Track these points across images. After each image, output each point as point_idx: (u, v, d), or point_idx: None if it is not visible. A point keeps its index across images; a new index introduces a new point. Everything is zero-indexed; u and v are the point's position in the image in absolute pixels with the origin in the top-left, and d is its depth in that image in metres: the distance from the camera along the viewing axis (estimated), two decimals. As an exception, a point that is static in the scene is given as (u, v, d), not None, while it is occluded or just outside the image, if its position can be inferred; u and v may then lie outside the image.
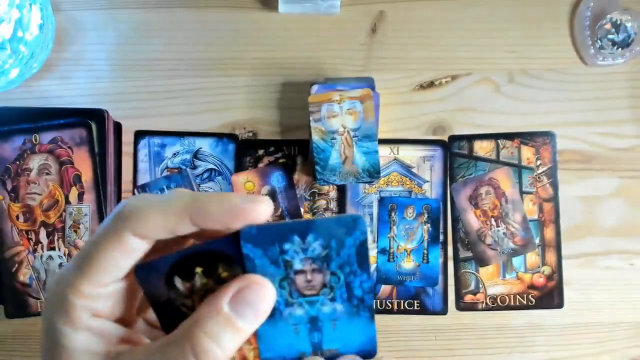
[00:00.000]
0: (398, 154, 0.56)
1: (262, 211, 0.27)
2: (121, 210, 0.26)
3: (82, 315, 0.26)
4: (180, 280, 0.28)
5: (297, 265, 0.29)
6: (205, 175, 0.56)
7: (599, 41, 0.56)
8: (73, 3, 0.58)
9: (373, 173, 0.51)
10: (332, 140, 0.50)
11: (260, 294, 0.27)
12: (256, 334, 0.29)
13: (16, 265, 0.54)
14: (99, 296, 0.26)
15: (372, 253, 0.56)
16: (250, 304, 0.27)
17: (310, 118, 0.50)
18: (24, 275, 0.54)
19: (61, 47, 0.57)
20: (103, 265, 0.26)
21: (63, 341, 0.25)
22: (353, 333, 0.30)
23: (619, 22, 0.56)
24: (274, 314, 0.29)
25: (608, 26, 0.57)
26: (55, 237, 0.54)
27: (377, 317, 0.53)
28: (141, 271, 0.28)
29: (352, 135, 0.50)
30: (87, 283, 0.26)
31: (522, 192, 0.56)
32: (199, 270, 0.28)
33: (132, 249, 0.26)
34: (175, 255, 0.28)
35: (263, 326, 0.29)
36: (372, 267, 0.56)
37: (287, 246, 0.29)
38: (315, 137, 0.50)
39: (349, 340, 0.30)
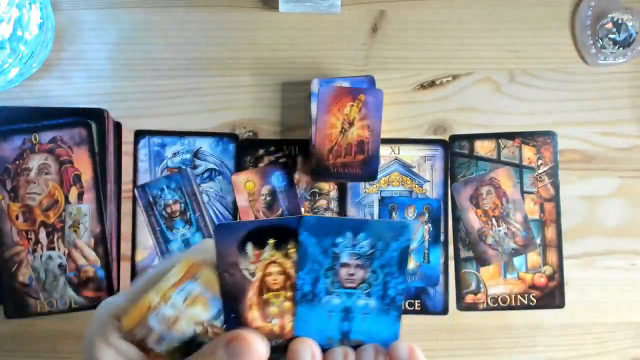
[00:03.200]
0: (399, 153, 0.57)
1: None
2: None
3: (114, 334, 0.31)
4: (252, 247, 0.30)
5: (344, 259, 0.31)
6: (206, 175, 0.56)
7: (600, 41, 0.57)
8: (73, 2, 0.58)
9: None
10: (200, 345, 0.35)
11: (246, 348, 0.30)
12: (295, 312, 0.32)
13: (16, 265, 0.54)
14: None
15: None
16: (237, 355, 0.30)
17: (147, 343, 0.32)
18: (24, 275, 0.54)
19: (61, 46, 0.57)
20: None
21: (96, 354, 0.31)
22: (379, 328, 0.33)
23: (620, 21, 0.57)
24: (314, 298, 0.32)
25: (609, 26, 0.57)
26: (55, 237, 0.54)
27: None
28: (220, 229, 0.30)
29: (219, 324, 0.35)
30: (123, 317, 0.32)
31: (523, 192, 0.56)
32: (271, 241, 0.31)
33: None
34: (254, 223, 0.31)
35: (302, 307, 0.32)
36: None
37: (339, 240, 0.31)
38: (176, 357, 0.33)
39: (375, 334, 0.33)
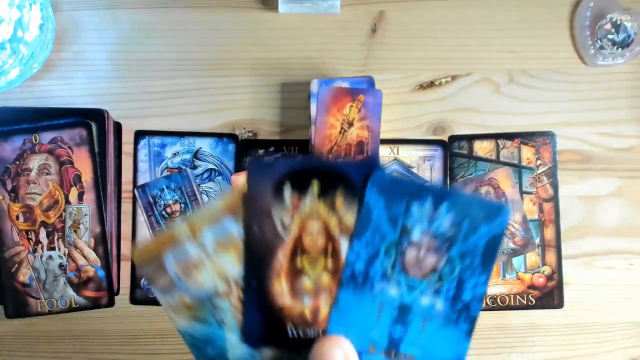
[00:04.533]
0: (398, 154, 0.57)
1: None
2: None
3: None
4: (291, 190, 0.25)
5: (415, 236, 0.25)
6: (205, 175, 0.57)
7: (599, 41, 0.57)
8: (73, 3, 0.58)
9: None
10: (215, 313, 0.29)
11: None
12: (335, 295, 0.25)
13: (16, 265, 0.55)
14: None
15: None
16: None
17: (152, 289, 0.28)
18: (24, 275, 0.55)
19: (61, 47, 0.58)
20: None
21: None
22: (441, 345, 0.25)
23: (619, 22, 0.57)
24: (365, 282, 0.25)
25: (608, 26, 0.57)
26: (55, 237, 0.55)
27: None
28: (254, 166, 0.25)
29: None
30: None
31: (522, 192, 0.57)
32: (315, 183, 0.25)
33: None
34: (296, 162, 0.25)
35: (346, 290, 0.25)
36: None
37: (415, 208, 0.24)
38: (182, 324, 0.27)
39: (433, 352, 0.25)
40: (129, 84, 0.57)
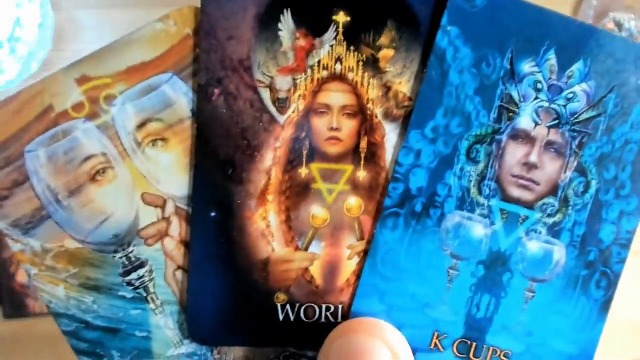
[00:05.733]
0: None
1: None
2: None
3: None
4: (292, 21, 0.13)
5: (524, 119, 0.13)
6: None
7: (601, 40, 0.57)
8: (72, 2, 0.58)
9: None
10: (131, 272, 0.19)
11: None
12: (373, 243, 0.14)
13: (14, 265, 0.55)
14: None
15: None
16: None
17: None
18: (23, 275, 0.55)
19: (60, 46, 0.58)
20: None
21: None
22: (557, 329, 0.14)
23: (621, 21, 0.57)
24: (427, 210, 0.14)
25: (611, 25, 0.57)
26: (54, 237, 0.55)
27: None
28: None
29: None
30: None
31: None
32: (341, 16, 0.13)
33: None
34: None
35: (389, 229, 0.13)
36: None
37: (525, 62, 0.13)
38: (59, 296, 0.19)
39: (544, 342, 0.14)
40: (128, 83, 0.57)
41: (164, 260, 0.16)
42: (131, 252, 0.16)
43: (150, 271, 0.16)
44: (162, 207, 0.16)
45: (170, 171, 0.16)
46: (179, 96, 0.17)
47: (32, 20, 0.53)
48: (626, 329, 0.56)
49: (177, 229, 0.16)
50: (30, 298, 0.54)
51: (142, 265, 0.16)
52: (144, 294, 0.16)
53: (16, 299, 0.54)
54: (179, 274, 0.16)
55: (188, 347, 0.15)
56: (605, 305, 0.15)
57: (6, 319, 0.55)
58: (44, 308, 0.54)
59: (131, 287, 0.16)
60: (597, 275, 0.14)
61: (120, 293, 0.16)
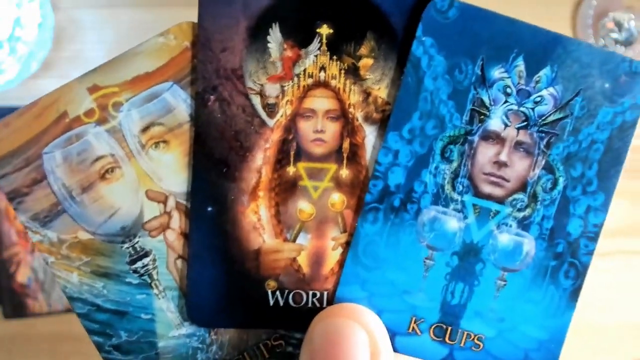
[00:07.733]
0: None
1: None
2: None
3: None
4: (280, 34, 0.14)
5: (495, 121, 0.14)
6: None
7: (601, 40, 0.58)
8: (72, 1, 0.59)
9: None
10: (137, 261, 0.20)
11: None
12: (355, 235, 0.16)
13: (14, 265, 0.55)
14: None
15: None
16: None
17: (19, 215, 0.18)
18: (23, 275, 0.55)
19: (60, 46, 0.58)
20: None
21: None
22: (528, 316, 0.16)
23: (621, 20, 0.58)
24: (404, 205, 0.15)
25: (611, 25, 0.58)
26: (54, 237, 0.55)
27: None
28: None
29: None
30: None
31: None
32: (324, 29, 0.14)
33: None
34: None
35: (370, 223, 0.15)
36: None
37: (495, 69, 0.14)
38: (74, 282, 0.18)
39: (515, 328, 0.16)
40: (128, 83, 0.58)
41: (166, 250, 0.19)
42: (137, 243, 0.19)
43: (154, 260, 0.19)
44: (164, 202, 0.19)
45: (171, 170, 0.19)
46: (179, 103, 0.19)
47: (32, 20, 0.54)
48: (626, 329, 0.57)
49: (178, 222, 0.19)
50: (30, 298, 0.55)
51: (146, 254, 0.19)
52: (149, 281, 0.19)
53: (16, 299, 0.55)
54: (179, 262, 0.19)
55: (188, 328, 0.18)
56: (573, 294, 0.17)
57: (6, 319, 0.55)
58: (43, 308, 0.55)
59: (137, 274, 0.19)
60: (565, 265, 0.16)
61: (127, 279, 0.19)
